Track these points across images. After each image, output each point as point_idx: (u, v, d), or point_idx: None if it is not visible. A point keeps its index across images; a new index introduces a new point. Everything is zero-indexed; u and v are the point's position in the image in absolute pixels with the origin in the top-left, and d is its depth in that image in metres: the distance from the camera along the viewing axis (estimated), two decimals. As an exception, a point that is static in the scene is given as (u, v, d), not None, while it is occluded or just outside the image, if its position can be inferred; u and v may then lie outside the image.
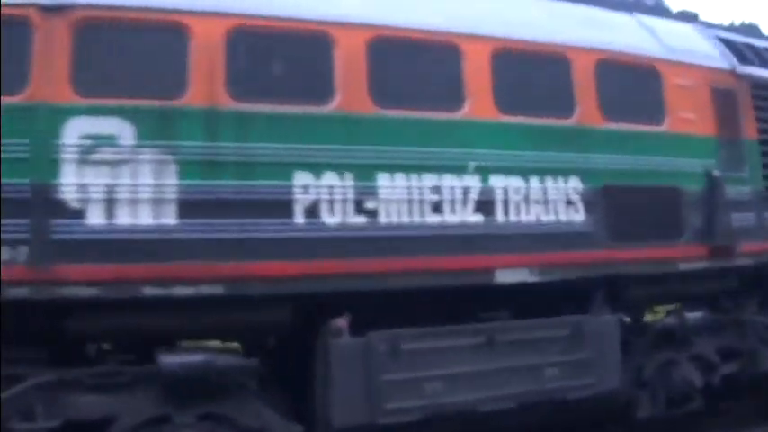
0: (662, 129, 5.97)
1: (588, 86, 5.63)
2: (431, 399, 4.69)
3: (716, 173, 6.11)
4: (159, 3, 4.33)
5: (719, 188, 6.09)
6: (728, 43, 6.90)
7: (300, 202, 4.49)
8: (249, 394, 4.45)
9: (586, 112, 5.58)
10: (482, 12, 5.44)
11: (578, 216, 5.41)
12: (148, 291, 4.10)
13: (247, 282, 4.32)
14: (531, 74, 5.45)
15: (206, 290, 4.21)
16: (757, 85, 6.71)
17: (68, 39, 4.06)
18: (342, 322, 4.59)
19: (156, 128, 4.19)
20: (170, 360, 4.28)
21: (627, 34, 6.14)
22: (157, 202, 4.15)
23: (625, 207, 5.64)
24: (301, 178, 4.51)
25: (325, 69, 4.70)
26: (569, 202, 5.39)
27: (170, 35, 4.33)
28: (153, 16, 4.30)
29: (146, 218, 4.12)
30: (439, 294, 5.00)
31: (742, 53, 6.85)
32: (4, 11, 3.92)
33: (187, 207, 4.22)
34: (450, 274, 4.87)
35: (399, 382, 4.62)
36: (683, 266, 5.87)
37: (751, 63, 6.84)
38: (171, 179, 4.19)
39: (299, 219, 4.49)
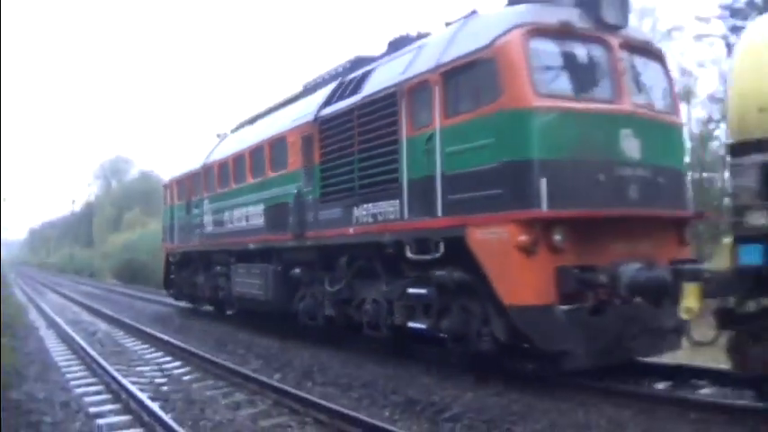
0: (283, 172, 11.24)
1: (267, 158, 11.98)
2: (239, 289, 13.28)
3: (296, 191, 10.71)
4: None
5: (297, 200, 10.70)
6: (336, 88, 10.16)
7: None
8: None
9: (267, 172, 12.01)
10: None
11: (261, 221, 12.12)
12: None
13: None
14: (248, 160, 12.48)
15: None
16: (324, 121, 9.99)
17: None
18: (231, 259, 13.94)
19: None
20: None
21: (280, 122, 11.56)
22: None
23: (270, 215, 11.70)
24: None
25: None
26: (258, 215, 12.21)
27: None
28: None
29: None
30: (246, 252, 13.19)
31: (335, 95, 10.06)
32: None
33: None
34: (245, 244, 13.18)
35: (238, 282, 13.48)
36: (289, 244, 11.07)
37: (341, 97, 9.90)
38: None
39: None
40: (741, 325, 5.10)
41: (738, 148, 5.00)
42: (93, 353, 10.50)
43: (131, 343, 12.78)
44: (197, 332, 13.61)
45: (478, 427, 5.94)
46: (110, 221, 62.43)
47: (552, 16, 6.91)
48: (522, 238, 6.42)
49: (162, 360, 10.60)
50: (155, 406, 6.72)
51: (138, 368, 9.80)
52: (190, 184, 16.24)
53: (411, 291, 7.96)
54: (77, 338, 12.43)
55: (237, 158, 13.43)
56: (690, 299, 5.31)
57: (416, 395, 7.04)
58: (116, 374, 8.48)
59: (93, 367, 9.67)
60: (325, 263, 10.18)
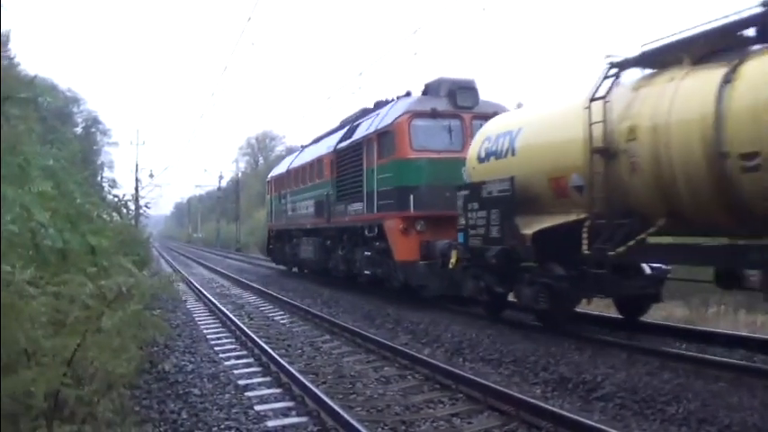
0: (322, 180, 17.74)
1: (315, 170, 18.55)
2: (303, 255, 20.02)
3: (326, 193, 17.17)
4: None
5: (327, 198, 17.17)
6: (346, 131, 16.45)
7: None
8: None
9: (315, 179, 18.58)
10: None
11: (312, 210, 18.72)
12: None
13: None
14: (308, 170, 19.08)
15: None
16: (338, 152, 16.34)
17: None
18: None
19: None
20: None
21: (322, 148, 18.03)
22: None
23: (316, 207, 18.26)
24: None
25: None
26: (311, 206, 18.82)
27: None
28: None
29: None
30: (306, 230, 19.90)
31: (344, 136, 16.35)
32: None
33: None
34: (304, 225, 19.91)
35: (302, 249, 20.24)
36: (324, 226, 17.55)
37: (345, 139, 16.19)
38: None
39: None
40: (466, 270, 10.79)
41: (458, 187, 10.73)
42: (241, 325, 10.59)
43: (279, 316, 12.84)
44: (345, 305, 13.75)
45: (630, 407, 5.93)
46: (256, 197, 63.95)
47: (427, 105, 12.74)
48: (401, 225, 12.44)
49: (311, 333, 10.66)
50: (306, 379, 6.68)
51: (287, 341, 9.86)
52: (281, 182, 23.29)
53: (365, 253, 14.20)
54: (225, 311, 12.62)
55: (303, 167, 20.13)
56: (453, 258, 11.04)
57: (567, 373, 7.00)
58: (266, 347, 8.50)
59: (243, 340, 9.72)
60: (339, 238, 16.60)
